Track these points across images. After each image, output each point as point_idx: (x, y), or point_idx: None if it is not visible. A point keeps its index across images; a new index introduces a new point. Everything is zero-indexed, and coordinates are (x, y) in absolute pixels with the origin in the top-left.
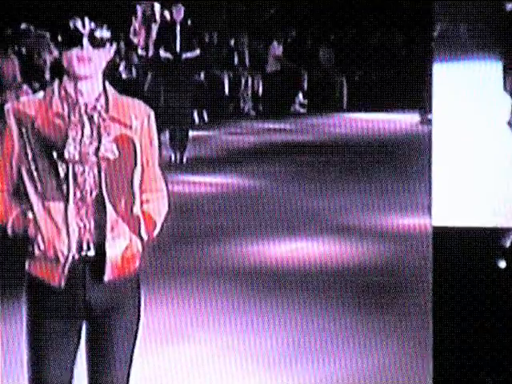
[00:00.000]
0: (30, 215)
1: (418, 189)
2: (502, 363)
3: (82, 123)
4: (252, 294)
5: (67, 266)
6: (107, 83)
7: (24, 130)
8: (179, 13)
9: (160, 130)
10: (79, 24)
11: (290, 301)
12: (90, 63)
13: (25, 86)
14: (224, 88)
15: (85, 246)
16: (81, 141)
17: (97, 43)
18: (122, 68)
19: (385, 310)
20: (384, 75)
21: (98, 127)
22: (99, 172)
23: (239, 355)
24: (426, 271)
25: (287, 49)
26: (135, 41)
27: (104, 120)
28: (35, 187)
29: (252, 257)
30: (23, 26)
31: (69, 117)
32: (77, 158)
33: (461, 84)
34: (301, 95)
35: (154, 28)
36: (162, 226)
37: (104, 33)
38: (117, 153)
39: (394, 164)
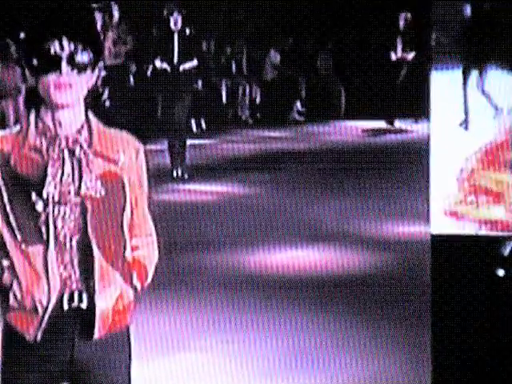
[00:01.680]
0: (5, 263)
1: (417, 197)
2: (500, 370)
3: (62, 159)
4: (251, 301)
5: (46, 319)
6: (90, 113)
7: (4, 168)
8: (177, 21)
9: (157, 141)
10: (56, 46)
11: (290, 309)
12: (69, 90)
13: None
14: (222, 96)
15: (68, 298)
16: (61, 179)
17: (77, 67)
18: (105, 95)
19: (383, 318)
20: (382, 83)
21: (80, 163)
22: (84, 213)
23: (239, 363)
24: (424, 279)
25: (285, 57)
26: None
27: (87, 155)
28: (11, 230)
29: (251, 265)
30: (22, 34)
31: (47, 152)
32: (56, 197)
33: (458, 91)
34: (299, 103)
35: (112, 35)
36: (153, 275)
37: (85, 55)
38: (103, 191)
39: (393, 172)
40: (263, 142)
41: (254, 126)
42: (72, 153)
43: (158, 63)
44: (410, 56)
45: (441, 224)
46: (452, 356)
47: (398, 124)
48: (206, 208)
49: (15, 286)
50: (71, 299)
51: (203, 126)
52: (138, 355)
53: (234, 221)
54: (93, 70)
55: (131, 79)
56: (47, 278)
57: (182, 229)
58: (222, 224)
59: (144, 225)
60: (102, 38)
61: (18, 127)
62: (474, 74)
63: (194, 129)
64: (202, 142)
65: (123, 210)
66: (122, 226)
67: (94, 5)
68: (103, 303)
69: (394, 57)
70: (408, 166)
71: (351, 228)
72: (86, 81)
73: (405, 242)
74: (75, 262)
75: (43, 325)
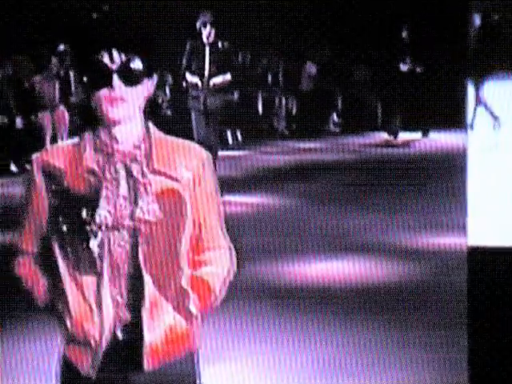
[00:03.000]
0: (58, 288)
1: (454, 208)
2: None
3: (117, 180)
4: (284, 312)
5: (100, 353)
6: (151, 124)
7: (53, 187)
8: (210, 34)
9: None
10: (106, 58)
11: (324, 319)
12: (123, 104)
13: (61, 107)
14: (258, 107)
15: (119, 330)
16: (115, 201)
17: (130, 79)
18: (163, 103)
19: (419, 330)
20: (418, 94)
21: (136, 184)
22: (136, 239)
23: (270, 373)
24: (460, 290)
25: (321, 68)
26: None
27: (144, 174)
28: (65, 255)
29: (285, 275)
30: (61, 47)
31: (103, 171)
32: (110, 222)
33: (496, 101)
34: (335, 114)
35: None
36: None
37: (137, 64)
38: (160, 214)
39: (429, 182)
40: (299, 154)
41: (290, 137)
42: (128, 172)
43: (188, 77)
44: (419, 68)
45: (478, 235)
46: (488, 368)
47: (401, 136)
48: (240, 219)
49: (67, 317)
50: (122, 331)
51: (239, 137)
52: None
53: (269, 232)
54: (149, 77)
55: (167, 91)
56: (100, 310)
57: None
58: (257, 235)
59: (213, 239)
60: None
61: (75, 139)
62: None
63: (230, 140)
64: (237, 153)
65: (181, 233)
66: (178, 252)
67: (95, 15)
68: (151, 336)
69: (403, 67)
70: (445, 177)
71: (386, 239)
72: (142, 91)
73: (441, 253)
74: (125, 291)
75: (97, 360)
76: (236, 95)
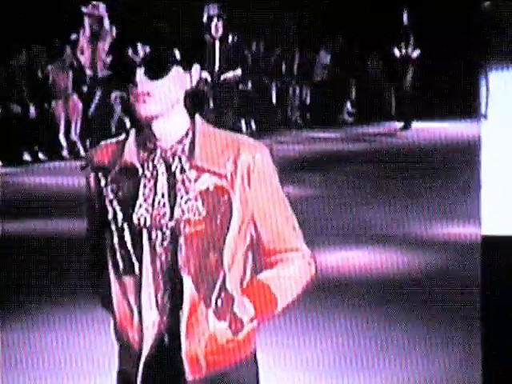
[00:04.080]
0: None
1: (468, 197)
2: None
3: (155, 177)
4: (301, 303)
5: (142, 360)
6: (198, 118)
7: (103, 185)
8: (218, 28)
9: None
10: (130, 52)
11: (339, 310)
12: (150, 99)
13: (74, 96)
14: (271, 97)
15: (165, 334)
16: (153, 200)
17: (155, 72)
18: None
19: (433, 320)
20: (433, 83)
21: (176, 180)
22: (176, 239)
23: (286, 365)
24: (474, 280)
25: (335, 57)
26: (82, 59)
27: (184, 171)
28: (111, 255)
29: None
30: (74, 36)
31: (143, 168)
32: (148, 222)
33: (510, 92)
34: (349, 104)
35: (102, 46)
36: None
37: (161, 55)
38: (200, 213)
39: (443, 172)
40: (313, 143)
41: (304, 126)
42: (168, 168)
43: None
44: (415, 54)
45: (492, 225)
46: (502, 358)
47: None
48: None
49: (112, 319)
50: (167, 337)
51: (253, 126)
52: None
53: None
54: (183, 68)
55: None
56: (140, 313)
57: None
58: None
59: (280, 240)
60: (90, 51)
61: (123, 136)
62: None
63: (244, 130)
64: None
65: (225, 233)
66: (222, 254)
67: (84, 9)
68: (190, 344)
69: (397, 53)
70: (459, 167)
71: (400, 229)
72: (174, 83)
73: (455, 243)
74: (166, 295)
75: (141, 366)
76: (250, 85)
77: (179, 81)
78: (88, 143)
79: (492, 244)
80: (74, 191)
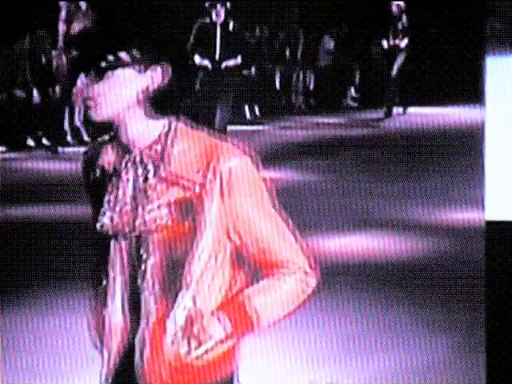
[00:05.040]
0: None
1: (471, 183)
2: None
3: (123, 183)
4: None
5: (110, 371)
6: (175, 120)
7: (86, 187)
8: (219, 13)
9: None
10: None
11: (341, 295)
12: (96, 103)
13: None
14: (275, 83)
15: (124, 350)
16: (121, 207)
17: (97, 74)
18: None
19: (437, 305)
20: (436, 69)
21: (142, 188)
22: (139, 247)
23: (291, 350)
24: (478, 266)
25: (339, 43)
26: (60, 42)
27: (151, 179)
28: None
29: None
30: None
31: (112, 174)
32: (112, 229)
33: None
34: (353, 89)
35: (77, 26)
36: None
37: (102, 57)
38: (169, 222)
39: (447, 157)
40: (317, 129)
41: (308, 112)
42: (137, 175)
43: (197, 59)
44: (403, 43)
45: (495, 210)
46: (506, 343)
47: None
48: None
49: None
50: (129, 355)
51: (257, 112)
52: None
53: (287, 207)
54: (134, 68)
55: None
56: (109, 321)
57: None
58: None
59: (269, 252)
60: (65, 28)
61: (105, 137)
62: None
63: (248, 115)
64: (255, 128)
65: (194, 246)
66: (189, 267)
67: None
68: (153, 364)
69: (385, 44)
70: (462, 152)
71: (404, 214)
72: (122, 84)
73: (459, 228)
74: (131, 310)
75: (108, 377)
76: (253, 70)
77: (128, 83)
78: (91, 129)
79: (496, 229)
80: (78, 177)
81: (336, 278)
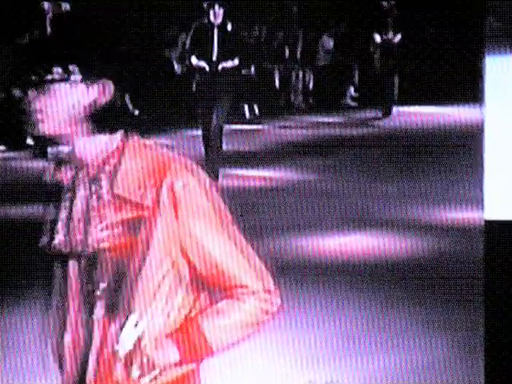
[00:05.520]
0: None
1: (470, 182)
2: None
3: (75, 201)
4: (299, 287)
5: None
6: (130, 136)
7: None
8: (217, 14)
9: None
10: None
11: (340, 294)
12: (42, 117)
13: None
14: (275, 82)
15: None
16: (72, 226)
17: (39, 88)
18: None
19: (435, 304)
20: (435, 68)
21: (93, 207)
22: (89, 267)
23: (289, 349)
24: (477, 265)
25: (338, 42)
26: None
27: (102, 197)
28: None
29: (303, 249)
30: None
31: (67, 191)
32: (64, 248)
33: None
34: (352, 89)
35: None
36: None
37: (37, 71)
38: (113, 243)
39: (446, 157)
40: (316, 128)
41: (307, 111)
42: (88, 193)
43: (194, 61)
44: (397, 38)
45: (495, 209)
46: (505, 342)
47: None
48: (258, 193)
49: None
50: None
51: (256, 111)
52: None
53: (287, 206)
54: (87, 85)
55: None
56: (64, 349)
57: (234, 215)
58: (275, 209)
59: (222, 275)
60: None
61: (65, 150)
62: None
63: (247, 114)
64: (254, 127)
65: (144, 267)
66: (137, 290)
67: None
68: None
69: (378, 38)
70: (461, 151)
71: (403, 214)
72: (62, 99)
73: (458, 228)
74: (79, 333)
75: None
76: (253, 69)
77: (73, 97)
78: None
79: (495, 229)
80: None
81: (335, 277)
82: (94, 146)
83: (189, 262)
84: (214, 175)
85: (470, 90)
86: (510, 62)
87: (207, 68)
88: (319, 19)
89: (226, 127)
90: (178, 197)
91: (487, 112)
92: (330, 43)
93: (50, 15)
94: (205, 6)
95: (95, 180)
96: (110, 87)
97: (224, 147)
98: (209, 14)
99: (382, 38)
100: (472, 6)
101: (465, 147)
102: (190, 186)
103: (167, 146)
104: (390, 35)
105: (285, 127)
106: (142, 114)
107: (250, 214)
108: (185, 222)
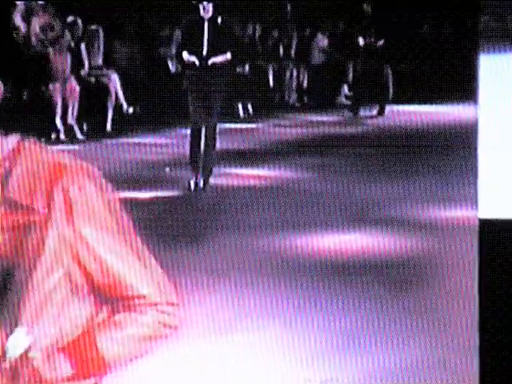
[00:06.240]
0: None
1: (465, 181)
2: None
3: None
4: (295, 286)
5: None
6: (27, 139)
7: None
8: (207, 8)
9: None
10: None
11: (338, 293)
12: None
13: (73, 78)
14: (269, 80)
15: None
16: None
17: None
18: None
19: (430, 304)
20: (430, 67)
21: None
22: None
23: (289, 346)
24: (471, 264)
25: (332, 41)
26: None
27: None
28: None
29: (299, 248)
30: (70, 18)
31: None
32: None
33: (507, 75)
34: (346, 87)
35: (36, 19)
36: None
37: None
38: (9, 247)
39: (440, 156)
40: (310, 126)
41: (301, 110)
42: None
43: (185, 56)
44: (380, 43)
45: (489, 208)
46: (499, 342)
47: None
48: (252, 192)
49: None
50: None
51: (250, 110)
52: (185, 336)
53: (282, 205)
54: None
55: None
56: None
57: (229, 214)
58: (270, 208)
59: (119, 285)
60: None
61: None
62: None
63: (241, 113)
64: (248, 126)
65: (34, 277)
66: (27, 300)
67: None
68: None
69: (361, 41)
70: (456, 150)
71: (398, 212)
72: None
73: (452, 227)
74: None
75: None
76: (247, 68)
77: None
78: (85, 127)
79: (489, 227)
80: None
81: (329, 275)
82: None
83: (85, 271)
84: (208, 174)
85: (465, 88)
86: (504, 61)
87: (197, 63)
88: (313, 17)
89: (220, 126)
90: (73, 201)
91: (481, 111)
92: (324, 41)
93: None
94: (194, 1)
95: None
96: (0, 87)
97: (218, 146)
98: (199, 8)
99: (365, 41)
100: (466, 5)
101: (459, 146)
102: (85, 190)
103: (161, 144)
104: (373, 38)
105: (279, 125)
106: (137, 113)
107: (245, 213)
108: (79, 229)
